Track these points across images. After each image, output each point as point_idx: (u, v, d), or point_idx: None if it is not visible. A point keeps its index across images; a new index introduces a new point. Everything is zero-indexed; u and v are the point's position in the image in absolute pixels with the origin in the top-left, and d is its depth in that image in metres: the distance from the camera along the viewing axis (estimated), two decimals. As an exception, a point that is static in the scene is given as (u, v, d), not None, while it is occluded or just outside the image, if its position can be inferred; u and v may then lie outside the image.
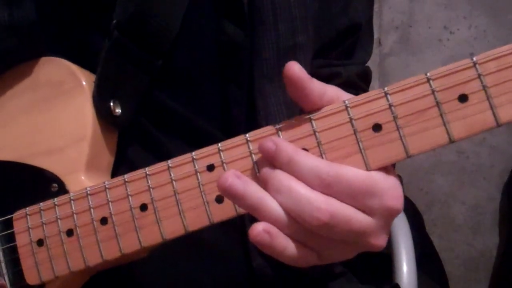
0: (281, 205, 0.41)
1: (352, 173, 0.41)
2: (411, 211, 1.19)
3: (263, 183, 0.43)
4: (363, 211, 0.42)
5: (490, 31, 1.46)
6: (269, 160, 0.43)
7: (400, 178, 0.44)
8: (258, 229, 0.41)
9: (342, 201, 0.41)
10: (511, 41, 0.40)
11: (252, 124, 0.59)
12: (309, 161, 0.41)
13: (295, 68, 0.42)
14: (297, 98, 0.43)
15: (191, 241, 0.47)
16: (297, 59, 0.62)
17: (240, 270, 0.62)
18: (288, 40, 0.60)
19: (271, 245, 0.41)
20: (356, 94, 0.68)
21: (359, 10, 0.71)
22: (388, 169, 0.43)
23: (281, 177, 0.42)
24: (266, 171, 0.43)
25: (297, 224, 0.41)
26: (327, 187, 0.41)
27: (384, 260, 0.83)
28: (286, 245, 0.41)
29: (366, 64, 0.76)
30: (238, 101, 0.60)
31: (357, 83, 0.72)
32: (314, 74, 0.66)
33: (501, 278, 1.48)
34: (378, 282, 0.76)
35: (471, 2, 1.47)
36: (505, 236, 1.48)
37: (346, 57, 0.72)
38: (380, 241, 0.43)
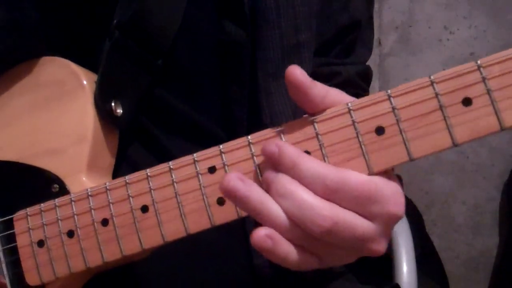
0: (283, 210, 0.41)
1: (356, 179, 0.41)
2: (411, 211, 1.19)
3: (266, 186, 0.42)
4: (365, 217, 0.41)
5: (490, 31, 1.46)
6: (272, 164, 0.42)
7: (400, 178, 0.44)
8: (260, 234, 0.41)
9: (345, 207, 0.41)
10: (511, 41, 0.40)
11: (256, 123, 0.59)
12: (313, 166, 0.41)
13: (296, 73, 0.42)
14: (299, 101, 0.43)
15: (191, 240, 0.47)
16: (301, 57, 0.62)
17: (240, 269, 0.62)
18: (292, 38, 0.60)
19: (274, 251, 0.41)
20: (356, 93, 0.68)
21: (359, 8, 0.71)
22: (389, 173, 0.43)
23: (284, 182, 0.41)
24: (269, 174, 0.42)
25: (299, 229, 0.41)
26: (331, 193, 0.40)
27: (384, 260, 0.83)
28: (288, 251, 0.41)
29: (366, 64, 0.76)
30: (239, 101, 0.60)
31: (357, 82, 0.72)
32: (314, 73, 0.67)
33: (501, 278, 1.48)
34: (378, 282, 0.75)
35: (471, 2, 1.47)
36: (505, 236, 1.48)
37: (346, 55, 0.72)
38: (380, 247, 0.43)
